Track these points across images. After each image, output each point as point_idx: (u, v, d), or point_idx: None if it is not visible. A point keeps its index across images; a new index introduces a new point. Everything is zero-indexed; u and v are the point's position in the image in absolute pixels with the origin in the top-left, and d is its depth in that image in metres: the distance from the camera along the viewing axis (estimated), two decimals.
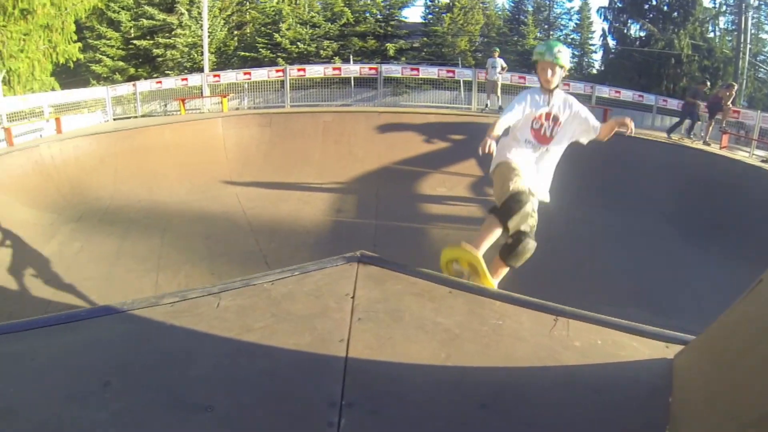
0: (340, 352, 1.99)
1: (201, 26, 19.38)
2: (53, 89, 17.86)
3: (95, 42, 21.15)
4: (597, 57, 28.32)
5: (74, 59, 18.99)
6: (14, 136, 13.31)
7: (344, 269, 2.69)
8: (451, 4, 24.47)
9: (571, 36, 27.95)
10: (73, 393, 2.08)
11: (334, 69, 15.72)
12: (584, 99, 15.93)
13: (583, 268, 7.87)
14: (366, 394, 1.81)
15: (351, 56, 19.57)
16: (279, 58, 19.66)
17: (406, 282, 2.55)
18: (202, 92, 15.95)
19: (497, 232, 3.67)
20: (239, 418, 1.78)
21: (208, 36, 18.33)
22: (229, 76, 16.12)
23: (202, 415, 1.80)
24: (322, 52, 19.95)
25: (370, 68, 15.66)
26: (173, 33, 20.91)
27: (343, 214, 9.71)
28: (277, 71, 15.65)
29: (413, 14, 55.38)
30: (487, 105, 15.00)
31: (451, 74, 15.91)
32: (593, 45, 28.00)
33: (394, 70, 16.13)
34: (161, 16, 21.14)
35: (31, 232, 9.56)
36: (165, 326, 2.42)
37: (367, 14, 22.48)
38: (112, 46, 21.21)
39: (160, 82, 16.90)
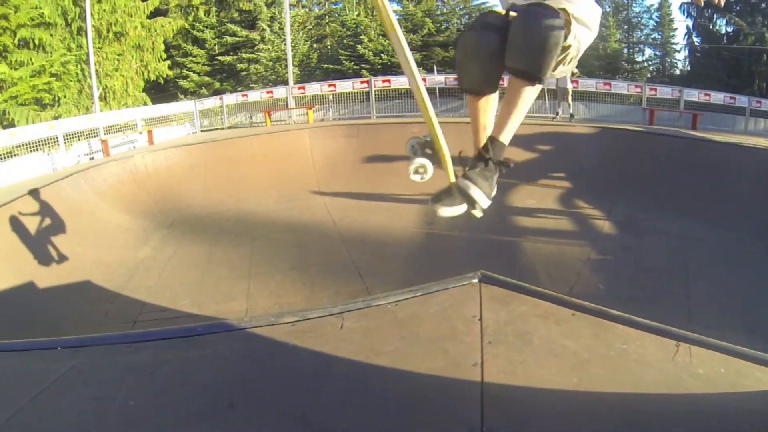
0: (475, 376, 1.95)
1: (283, 41, 20.02)
2: (145, 104, 19.04)
3: (182, 59, 22.32)
4: (680, 57, 26.27)
5: (164, 76, 20.43)
6: (110, 147, 14.05)
7: (467, 290, 2.62)
8: None
9: (652, 35, 26.23)
10: (196, 411, 2.11)
11: (423, 79, 15.59)
12: (672, 103, 15.17)
13: (676, 285, 7.32)
14: (505, 420, 1.77)
15: (435, 66, 19.44)
16: (363, 70, 19.85)
17: (529, 303, 2.46)
18: (287, 104, 16.38)
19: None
20: None
21: (291, 50, 18.70)
22: (314, 88, 16.40)
23: None
24: None
25: (455, 78, 15.39)
26: (256, 48, 21.67)
27: (434, 227, 9.50)
28: (362, 82, 15.78)
29: None
30: (557, 113, 14.56)
31: None
32: (676, 44, 26.07)
33: None
34: (243, 32, 22.00)
35: (126, 237, 10.07)
36: (288, 347, 2.41)
37: (447, 24, 22.46)
38: (198, 63, 22.23)
39: (246, 95, 17.51)
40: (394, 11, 16.09)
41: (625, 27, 25.94)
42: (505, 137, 2.46)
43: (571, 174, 10.80)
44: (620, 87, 15.32)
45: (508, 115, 2.39)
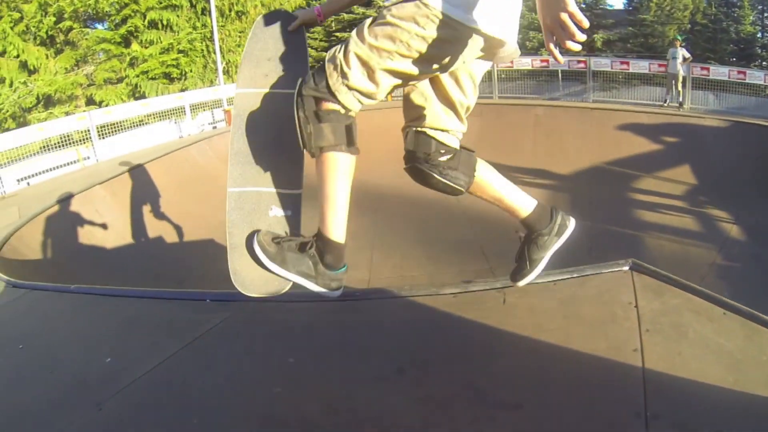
0: (636, 362, 1.96)
1: None
2: None
3: None
4: None
5: None
6: (233, 117, 14.73)
7: (620, 277, 2.58)
8: None
9: None
10: (365, 375, 2.17)
11: (542, 61, 15.21)
12: None
13: None
14: (668, 407, 1.77)
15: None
16: None
17: (682, 297, 2.37)
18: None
19: None
20: (549, 417, 1.78)
21: None
22: None
23: (511, 413, 1.81)
24: (527, 43, 19.50)
25: (579, 61, 14.92)
26: None
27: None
28: None
29: (617, 1, 51.42)
30: (666, 101, 13.72)
31: (662, 68, 14.52)
32: None
33: (603, 63, 15.20)
34: (360, 9, 22.20)
35: None
36: (453, 317, 2.46)
37: None
38: (315, 39, 22.73)
39: None
40: None
41: (759, 7, 23.58)
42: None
43: (698, 170, 10.11)
44: (756, 77, 13.88)
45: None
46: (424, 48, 1.79)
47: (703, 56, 19.88)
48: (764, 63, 21.61)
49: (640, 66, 14.90)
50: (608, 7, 22.41)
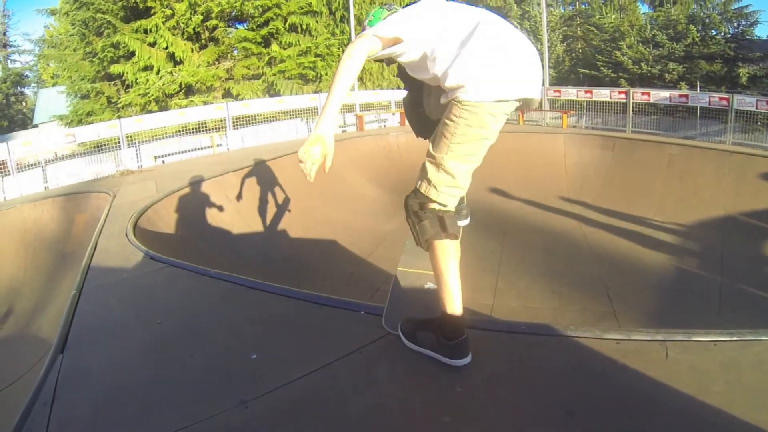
0: None
1: (537, 39, 20.04)
2: (398, 87, 20.45)
3: None
4: None
5: None
6: (364, 123, 15.45)
7: None
8: None
9: None
10: (535, 413, 2.23)
11: (681, 96, 14.69)
12: None
13: None
14: None
15: (698, 82, 18.13)
16: (621, 79, 19.16)
17: None
18: (541, 105, 16.42)
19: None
20: None
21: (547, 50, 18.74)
22: (570, 93, 16.29)
23: None
24: (666, 75, 18.82)
25: (720, 98, 14.21)
26: None
27: (685, 262, 8.95)
28: (620, 92, 15.26)
29: (762, 31, 46.96)
30: None
31: None
32: None
33: (747, 102, 14.34)
34: None
35: (375, 207, 10.99)
36: (617, 365, 2.50)
37: (714, 32, 20.22)
38: None
39: None
40: (649, 15, 15.26)
41: None
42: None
43: None
44: None
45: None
46: (469, 132, 2.40)
47: None
48: None
49: None
50: (755, 38, 20.75)
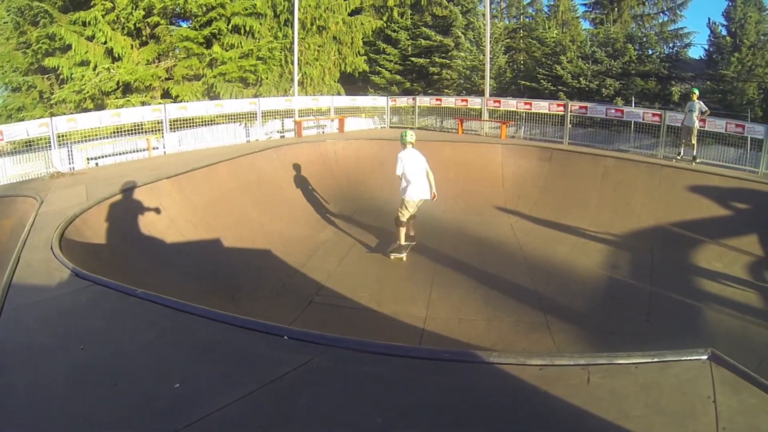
0: None
1: (480, 50, 20.41)
2: (339, 93, 20.42)
3: (375, 56, 23.67)
4: None
5: (359, 70, 21.77)
6: (303, 128, 15.24)
7: (700, 367, 2.71)
8: (738, 42, 21.45)
9: None
10: None
11: (617, 111, 15.12)
12: None
13: None
14: None
15: (633, 98, 18.71)
16: (560, 92, 19.59)
17: (759, 397, 2.45)
18: (481, 115, 16.72)
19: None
20: None
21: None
22: (509, 104, 16.52)
23: None
24: (603, 90, 19.36)
25: (654, 114, 14.70)
26: (449, 54, 22.16)
27: (617, 271, 9.19)
28: (558, 105, 15.57)
29: (695, 51, 49.45)
30: (680, 154, 13.54)
31: (739, 129, 14.06)
32: None
33: (679, 119, 14.84)
34: (437, 37, 22.68)
35: (309, 216, 10.85)
36: (539, 392, 2.54)
37: (651, 52, 21.03)
38: (391, 61, 23.28)
39: (440, 100, 18.10)
40: (590, 32, 15.86)
41: None
42: None
43: (766, 241, 9.71)
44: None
45: None
46: (406, 206, 9.11)
47: None
48: None
49: (716, 125, 14.49)
50: (688, 59, 21.90)
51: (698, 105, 13.29)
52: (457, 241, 10.04)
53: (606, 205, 11.39)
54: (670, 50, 21.71)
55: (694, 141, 13.36)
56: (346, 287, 8.08)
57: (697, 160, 13.37)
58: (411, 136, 9.16)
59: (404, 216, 9.05)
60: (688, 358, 2.78)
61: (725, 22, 22.66)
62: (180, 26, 19.84)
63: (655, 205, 11.22)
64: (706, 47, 23.26)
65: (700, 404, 2.40)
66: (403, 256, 9.19)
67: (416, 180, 8.91)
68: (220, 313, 3.77)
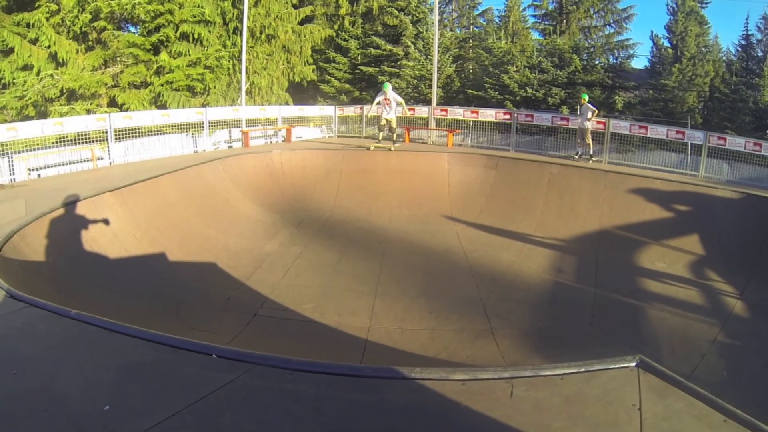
0: None
1: (428, 59, 20.51)
2: (287, 103, 20.19)
3: (325, 65, 23.58)
4: None
5: (308, 79, 21.58)
6: (250, 138, 14.98)
7: (627, 375, 2.71)
8: (678, 53, 22.39)
9: None
10: None
11: (562, 119, 15.37)
12: None
13: None
14: None
15: (578, 106, 19.02)
16: (507, 101, 19.82)
17: (685, 401, 2.49)
18: (428, 124, 16.81)
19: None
20: None
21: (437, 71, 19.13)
22: (456, 112, 16.65)
23: None
24: (549, 99, 19.68)
25: (598, 122, 14.99)
26: (399, 63, 22.22)
27: (562, 276, 9.30)
28: (505, 114, 15.75)
29: (638, 62, 51.06)
30: (578, 153, 14.39)
31: (680, 136, 14.60)
32: None
33: (622, 126, 15.28)
34: (387, 46, 22.76)
35: (255, 228, 10.60)
36: (460, 407, 2.51)
37: (597, 62, 21.65)
38: (340, 70, 23.27)
39: None
40: (538, 42, 17.05)
41: None
42: None
43: (706, 240, 10.10)
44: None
45: None
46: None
47: (720, 125, 19.97)
48: None
49: (658, 131, 14.91)
50: (632, 69, 22.52)
51: (588, 108, 14.17)
52: (401, 251, 9.97)
53: (551, 211, 11.55)
54: (615, 60, 22.30)
55: (589, 140, 14.19)
56: (290, 299, 7.95)
57: (593, 158, 14.16)
58: (389, 88, 14.15)
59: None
60: (616, 366, 2.78)
61: (667, 35, 23.50)
62: (128, 31, 19.33)
63: (599, 209, 11.44)
64: (649, 58, 24.14)
65: (625, 412, 2.39)
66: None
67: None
68: (151, 333, 3.67)
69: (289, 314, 7.52)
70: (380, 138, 14.49)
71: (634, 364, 2.76)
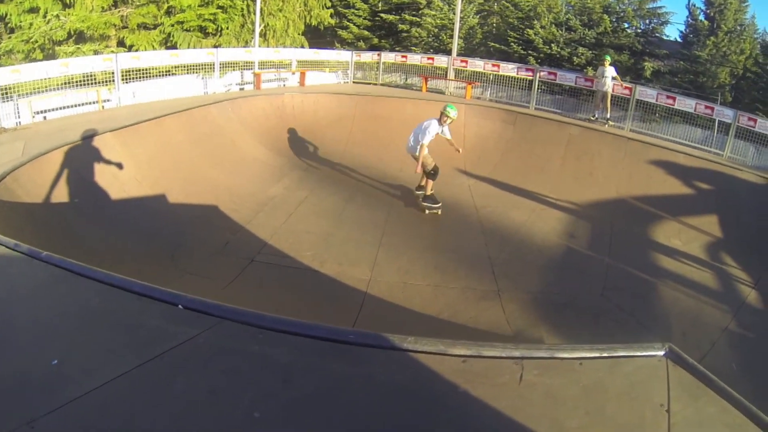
0: None
1: (451, 9, 19.71)
2: (302, 46, 19.48)
3: (344, 10, 22.74)
4: None
5: (325, 23, 20.81)
6: (262, 81, 14.43)
7: (654, 366, 2.35)
8: (714, 26, 21.25)
9: None
10: None
11: (586, 80, 14.65)
12: None
13: None
14: None
15: (599, 67, 18.30)
16: (530, 56, 19.10)
17: (719, 405, 2.14)
18: (446, 74, 16.27)
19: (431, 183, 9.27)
20: None
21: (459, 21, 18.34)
22: (477, 64, 15.98)
23: None
24: (575, 58, 18.89)
25: (624, 86, 14.33)
26: (420, 11, 21.38)
27: (575, 242, 8.84)
28: (527, 69, 15.09)
29: (671, 30, 49.45)
30: (594, 115, 13.83)
31: (708, 111, 13.91)
32: None
33: (649, 94, 14.58)
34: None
35: (261, 170, 10.33)
36: (458, 391, 2.14)
37: (627, 25, 20.68)
38: (360, 16, 22.49)
39: (405, 57, 17.51)
40: (566, 0, 15.61)
41: None
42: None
43: (726, 223, 9.63)
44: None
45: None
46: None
47: (751, 106, 19.21)
48: None
49: (686, 104, 14.21)
50: (664, 37, 21.58)
51: (609, 70, 13.68)
52: (410, 201, 9.56)
53: (568, 173, 11.07)
54: (646, 26, 21.27)
55: (608, 104, 13.73)
56: (289, 246, 7.61)
57: (610, 123, 13.66)
58: (454, 112, 9.37)
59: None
60: (642, 354, 2.42)
61: (704, 7, 22.33)
62: None
63: (618, 177, 10.97)
64: (683, 29, 22.96)
65: (651, 412, 2.05)
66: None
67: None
68: (117, 278, 3.36)
69: (288, 261, 7.21)
70: (429, 191, 9.30)
71: (662, 353, 2.40)
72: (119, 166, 8.31)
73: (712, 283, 8.17)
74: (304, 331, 2.60)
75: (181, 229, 7.71)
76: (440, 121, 9.20)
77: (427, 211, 9.10)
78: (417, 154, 8.89)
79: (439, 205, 9.14)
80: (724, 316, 7.28)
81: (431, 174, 9.05)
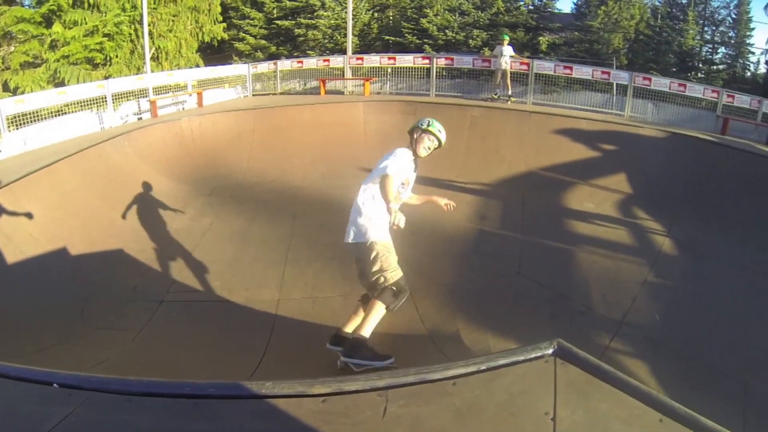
0: None
1: (344, 8, 19.56)
2: (197, 65, 19.08)
3: (239, 21, 22.43)
4: (753, 59, 23.77)
5: (219, 38, 20.39)
6: (159, 108, 13.88)
7: (540, 368, 2.20)
8: None
9: (728, 34, 23.62)
10: None
11: (484, 61, 14.80)
12: (747, 113, 13.97)
13: (734, 328, 6.33)
14: None
15: (497, 47, 18.63)
16: (426, 45, 19.15)
17: (612, 400, 2.02)
18: (343, 74, 16.14)
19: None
20: None
21: (352, 18, 18.17)
22: (373, 60, 15.93)
23: None
24: (470, 41, 19.12)
25: (522, 62, 14.56)
26: (315, 14, 21.20)
27: (487, 223, 8.80)
28: (424, 58, 15.12)
29: (564, 4, 51.35)
30: (496, 93, 14.33)
31: (605, 76, 14.48)
32: (751, 45, 23.38)
33: (546, 67, 14.94)
34: None
35: (166, 203, 9.72)
36: None
37: (521, 3, 21.31)
38: (255, 26, 22.21)
39: (302, 62, 17.25)
40: None
41: (701, 22, 23.82)
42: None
43: (633, 179, 9.93)
44: (696, 90, 14.05)
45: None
46: None
47: (645, 66, 20.14)
48: (701, 76, 21.97)
49: (583, 72, 14.69)
50: (556, 11, 22.46)
51: (508, 50, 14.11)
52: (314, 210, 9.22)
53: (474, 155, 11.01)
54: (539, 2, 21.99)
55: (508, 82, 14.15)
56: (198, 279, 7.24)
57: (512, 99, 14.10)
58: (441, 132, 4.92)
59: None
60: (527, 357, 2.24)
61: None
62: (15, 4, 17.52)
63: (525, 151, 11.02)
64: (575, 1, 23.82)
65: (533, 426, 1.90)
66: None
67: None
68: None
69: (197, 296, 6.86)
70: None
71: (550, 352, 2.24)
72: (11, 225, 7.57)
73: (628, 240, 8.34)
74: (168, 390, 2.47)
75: (88, 281, 7.11)
76: (415, 149, 4.85)
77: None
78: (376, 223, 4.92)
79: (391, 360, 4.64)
80: (642, 269, 7.42)
81: (392, 293, 4.66)
